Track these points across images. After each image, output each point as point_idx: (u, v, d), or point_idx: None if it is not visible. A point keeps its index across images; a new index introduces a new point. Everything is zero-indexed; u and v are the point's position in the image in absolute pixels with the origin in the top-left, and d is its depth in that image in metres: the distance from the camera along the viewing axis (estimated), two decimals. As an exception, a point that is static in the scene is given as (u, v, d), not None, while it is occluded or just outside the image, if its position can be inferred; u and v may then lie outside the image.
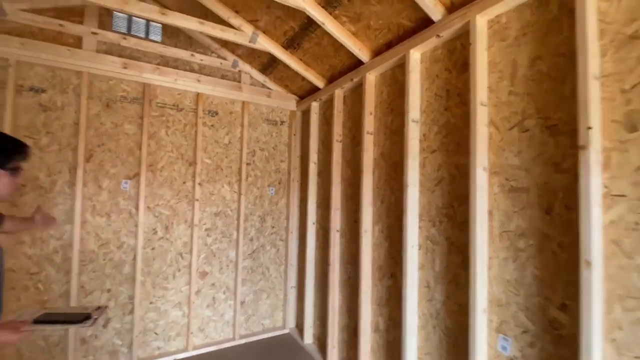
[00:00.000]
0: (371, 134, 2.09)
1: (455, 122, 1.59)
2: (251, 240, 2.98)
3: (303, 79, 2.75)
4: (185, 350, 2.60)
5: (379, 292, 2.01)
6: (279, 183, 3.15)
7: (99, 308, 1.24)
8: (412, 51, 1.75)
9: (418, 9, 1.61)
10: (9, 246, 2.06)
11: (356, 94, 2.34)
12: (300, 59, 2.51)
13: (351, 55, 2.15)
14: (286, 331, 3.05)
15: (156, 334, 2.53)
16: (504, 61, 1.40)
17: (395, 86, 1.97)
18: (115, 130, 2.40)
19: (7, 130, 2.05)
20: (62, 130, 2.23)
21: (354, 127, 2.35)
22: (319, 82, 2.62)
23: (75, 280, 2.21)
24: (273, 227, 3.11)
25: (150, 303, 2.51)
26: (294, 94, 3.12)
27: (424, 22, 1.68)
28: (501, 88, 1.41)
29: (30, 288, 2.14)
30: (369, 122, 2.08)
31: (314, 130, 2.83)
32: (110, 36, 2.36)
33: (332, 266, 2.42)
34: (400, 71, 1.93)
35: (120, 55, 2.42)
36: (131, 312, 2.42)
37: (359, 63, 2.18)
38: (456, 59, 1.61)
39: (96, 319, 1.15)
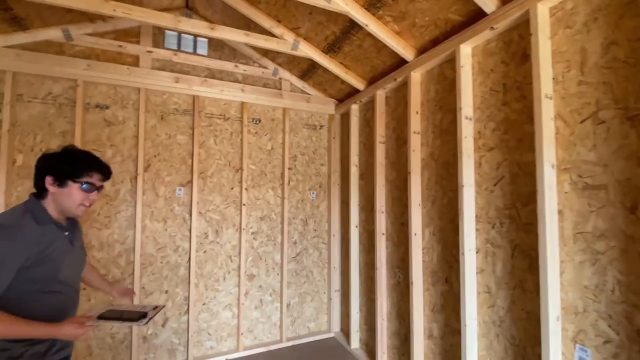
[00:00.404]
0: (418, 133, 2.04)
1: (515, 118, 1.50)
2: (295, 243, 3.02)
3: (342, 82, 2.75)
4: (236, 350, 2.68)
5: (433, 297, 1.94)
6: (320, 187, 3.17)
7: (156, 307, 1.30)
8: (462, 46, 1.69)
9: (469, 1, 1.55)
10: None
11: (400, 94, 2.30)
12: (341, 63, 2.51)
13: (394, 54, 2.12)
14: (331, 335, 3.04)
15: (209, 334, 2.64)
16: (571, 50, 1.31)
17: (444, 83, 1.90)
18: (169, 141, 2.56)
19: (77, 144, 2.25)
20: (123, 143, 2.42)
21: (398, 127, 2.31)
22: (359, 84, 2.60)
23: (137, 282, 2.37)
24: (315, 230, 3.13)
25: (203, 304, 2.63)
26: (333, 97, 3.13)
27: (476, 15, 1.61)
28: (569, 79, 1.31)
29: (99, 290, 2.31)
30: (415, 122, 2.03)
31: (354, 133, 2.82)
32: (163, 53, 2.53)
33: (379, 270, 2.38)
34: (449, 67, 1.86)
35: (172, 71, 2.58)
36: (186, 312, 2.55)
37: (402, 62, 2.14)
38: (514, 51, 1.52)
39: (151, 317, 1.21)
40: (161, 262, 2.49)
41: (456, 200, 1.77)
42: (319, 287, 3.11)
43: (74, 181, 1.14)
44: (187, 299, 2.54)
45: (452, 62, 1.82)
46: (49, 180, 1.13)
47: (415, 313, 1.98)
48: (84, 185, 1.16)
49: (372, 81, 2.52)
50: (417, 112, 2.04)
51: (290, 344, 2.85)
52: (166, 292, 2.50)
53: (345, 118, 3.09)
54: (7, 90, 2.13)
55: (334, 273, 3.09)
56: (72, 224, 1.26)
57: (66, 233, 1.19)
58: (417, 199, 2.01)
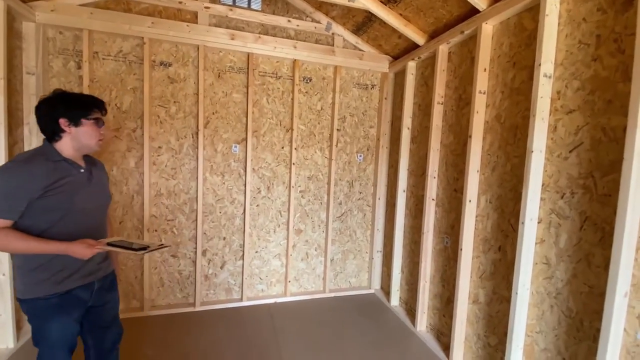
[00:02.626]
0: (484, 93, 1.88)
1: (607, 76, 1.31)
2: (340, 204, 3.09)
3: (400, 36, 2.57)
4: (284, 295, 2.94)
5: (482, 264, 1.92)
6: (367, 149, 3.13)
7: (161, 245, 1.35)
8: (550, -10, 1.46)
9: None
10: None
11: (465, 49, 2.10)
12: (400, 14, 2.33)
13: (463, 3, 1.90)
14: (371, 291, 3.18)
15: (260, 278, 2.91)
16: (698, -11, 1.07)
17: (521, 36, 1.70)
18: (225, 99, 2.66)
19: (146, 100, 2.43)
20: (185, 100, 2.56)
21: (460, 86, 2.14)
22: (419, 39, 2.41)
23: (200, 228, 2.63)
24: (360, 192, 3.16)
25: (256, 252, 2.87)
26: (388, 54, 2.96)
27: (573, -49, 1.37)
28: (689, 26, 1.09)
29: (168, 232, 2.63)
30: (482, 80, 1.87)
31: (409, 93, 2.68)
32: (219, 9, 2.54)
33: (426, 235, 2.37)
34: (529, 17, 1.64)
35: (227, 27, 2.60)
36: (241, 258, 2.81)
37: (472, 12, 1.92)
38: (617, -6, 1.29)
39: (149, 251, 1.27)
40: (220, 212, 2.73)
41: (520, 167, 1.66)
42: (361, 246, 3.21)
43: (87, 119, 1.25)
44: (242, 246, 2.79)
45: (534, 10, 1.60)
46: (63, 122, 1.22)
47: (461, 278, 1.99)
48: (97, 122, 1.28)
49: (434, 35, 2.32)
50: (484, 70, 1.86)
51: (332, 295, 3.05)
52: (224, 238, 2.76)
53: (399, 77, 2.93)
54: (85, 48, 2.31)
55: (377, 235, 3.15)
56: (93, 164, 1.38)
57: (82, 170, 1.29)
58: (476, 164, 1.91)
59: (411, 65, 2.64)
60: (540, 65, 1.49)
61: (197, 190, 2.61)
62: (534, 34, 1.60)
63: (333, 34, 2.87)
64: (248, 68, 2.66)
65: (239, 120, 2.71)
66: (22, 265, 1.20)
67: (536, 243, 1.57)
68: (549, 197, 1.52)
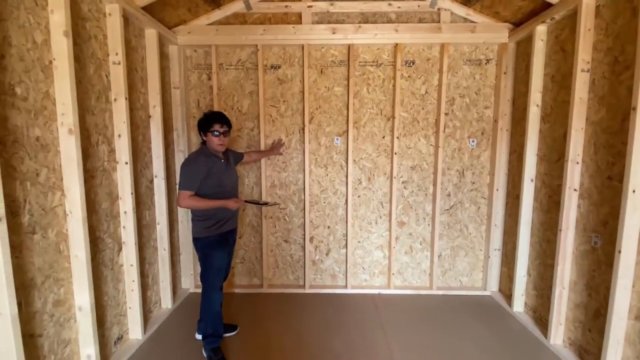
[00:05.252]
0: (659, 50, 1.42)
1: None
2: (448, 195, 2.85)
3: (525, -3, 2.17)
4: (387, 287, 2.90)
5: (655, 273, 1.48)
6: (482, 134, 2.78)
7: (275, 203, 2.68)
8: None
9: None
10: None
11: (626, -4, 1.62)
12: (527, -30, 1.96)
13: None
14: (487, 293, 2.85)
15: (363, 268, 2.94)
16: None
17: None
18: (327, 94, 2.75)
19: (261, 102, 2.70)
20: (292, 98, 2.76)
21: (616, 46, 1.67)
22: (553, -5, 1.99)
23: (307, 217, 2.82)
24: (473, 182, 2.84)
25: (358, 242, 2.91)
26: (507, 21, 2.54)
27: None
28: None
29: (280, 219, 2.90)
30: (657, 33, 1.41)
31: (537, 63, 2.24)
32: (320, 5, 2.62)
33: (564, 233, 1.97)
34: None
35: (328, 22, 2.66)
36: (345, 246, 2.89)
37: (640, -56, 1.46)
38: None
39: (269, 205, 2.44)
40: (324, 202, 2.86)
41: None
42: (474, 243, 2.90)
43: (209, 131, 1.92)
44: (345, 235, 2.87)
45: None
46: (201, 134, 1.97)
47: (619, 287, 1.57)
48: (213, 133, 1.92)
49: (576, -14, 1.87)
50: (660, 17, 1.40)
51: (440, 292, 2.85)
52: (328, 227, 2.89)
53: (523, 46, 2.48)
54: (214, 61, 2.71)
55: (495, 231, 2.78)
56: (229, 154, 2.13)
57: (222, 160, 2.01)
58: (645, 143, 1.47)
59: (540, 30, 2.20)
60: None
61: (304, 182, 2.80)
62: None
63: (439, 9, 2.62)
64: (348, 60, 2.67)
65: (340, 113, 2.76)
66: (200, 216, 1.95)
67: None
68: None
